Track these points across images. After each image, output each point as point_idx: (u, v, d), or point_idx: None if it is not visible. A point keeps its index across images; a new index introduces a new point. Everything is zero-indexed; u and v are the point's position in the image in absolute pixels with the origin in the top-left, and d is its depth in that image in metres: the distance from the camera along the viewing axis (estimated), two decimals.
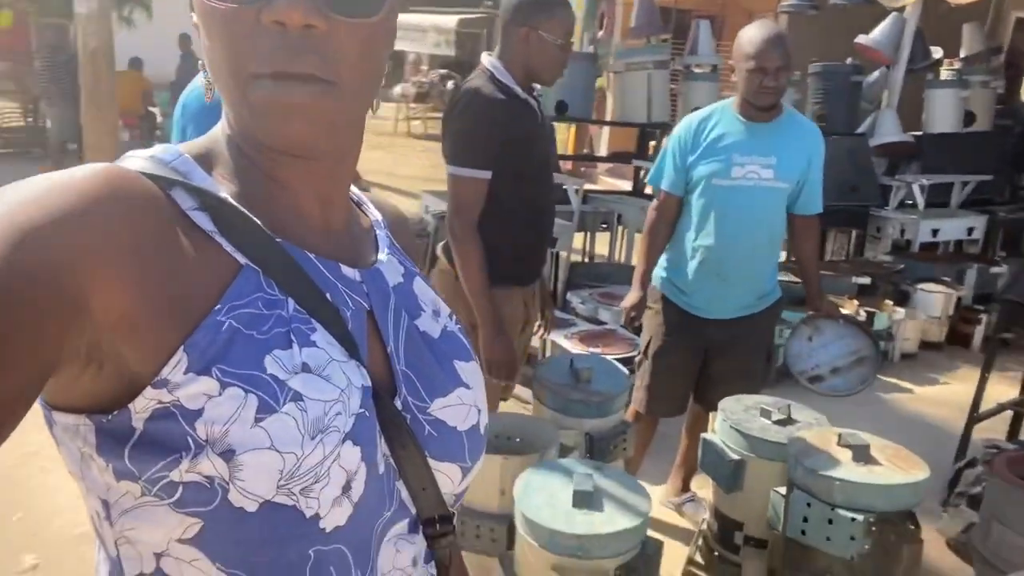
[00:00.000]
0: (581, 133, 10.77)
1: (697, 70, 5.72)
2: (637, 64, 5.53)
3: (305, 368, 0.56)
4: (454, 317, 0.76)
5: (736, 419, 2.14)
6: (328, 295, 0.61)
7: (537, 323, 2.49)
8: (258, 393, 0.53)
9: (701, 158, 2.51)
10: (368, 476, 0.58)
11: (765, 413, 2.18)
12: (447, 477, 0.67)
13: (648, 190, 3.60)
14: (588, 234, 5.35)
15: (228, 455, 0.51)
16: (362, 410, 0.58)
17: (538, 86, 2.23)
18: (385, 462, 0.62)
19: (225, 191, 0.60)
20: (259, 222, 0.59)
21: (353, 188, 0.74)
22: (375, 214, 0.77)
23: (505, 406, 2.65)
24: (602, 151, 10.13)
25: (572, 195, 4.45)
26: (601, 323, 3.87)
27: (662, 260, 2.68)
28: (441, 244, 2.21)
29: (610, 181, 9.57)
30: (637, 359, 2.80)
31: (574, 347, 3.43)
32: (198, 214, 0.56)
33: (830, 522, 1.75)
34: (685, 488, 2.98)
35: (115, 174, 0.52)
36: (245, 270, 0.56)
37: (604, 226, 5.22)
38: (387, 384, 0.64)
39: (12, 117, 9.94)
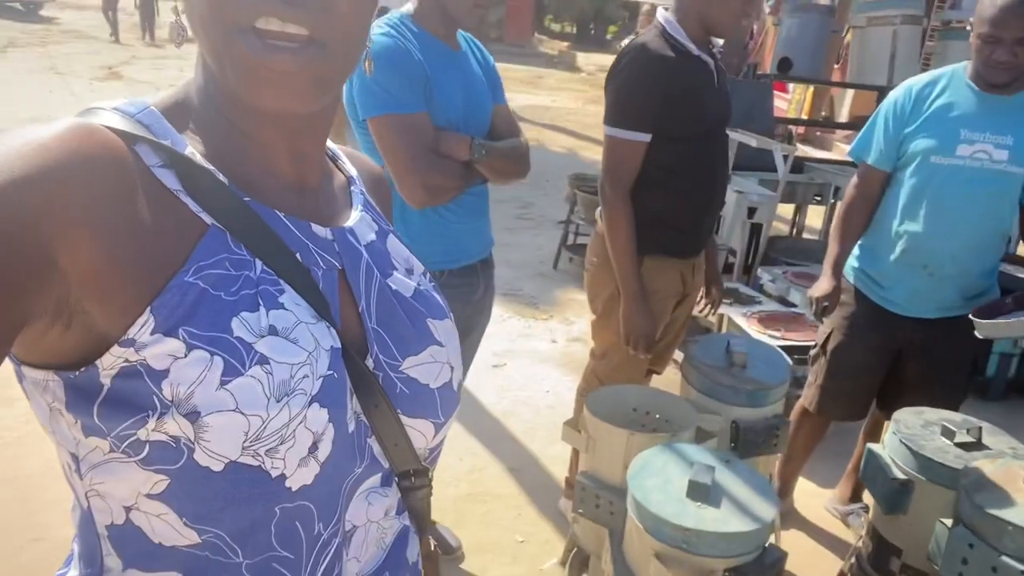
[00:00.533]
0: (819, 95, 9.85)
1: (959, 27, 4.95)
2: (881, 18, 4.90)
3: (272, 331, 0.56)
4: (427, 275, 0.75)
5: (910, 434, 1.89)
6: (298, 255, 0.60)
7: (701, 298, 2.35)
8: (224, 356, 0.53)
9: (920, 130, 2.16)
10: (336, 435, 0.59)
11: (947, 432, 1.89)
12: (420, 433, 0.68)
13: None
14: (799, 206, 4.93)
15: (193, 416, 0.52)
16: (330, 372, 0.58)
17: (719, 42, 2.05)
18: (356, 420, 0.62)
19: (192, 147, 0.58)
20: (226, 180, 0.58)
21: (328, 142, 0.72)
22: (351, 170, 0.75)
23: (661, 381, 2.56)
24: (844, 117, 9.18)
25: (779, 162, 4.09)
26: (791, 305, 3.57)
27: (856, 246, 2.38)
28: (598, 208, 2.15)
29: (846, 149, 8.68)
30: (813, 353, 2.55)
31: (751, 328, 3.20)
32: (164, 171, 0.55)
33: (994, 570, 1.49)
34: (855, 497, 2.70)
35: (80, 131, 0.51)
36: (211, 231, 0.56)
37: (818, 199, 4.76)
38: (359, 343, 0.64)
39: None
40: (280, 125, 0.61)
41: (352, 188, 0.73)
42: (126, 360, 0.52)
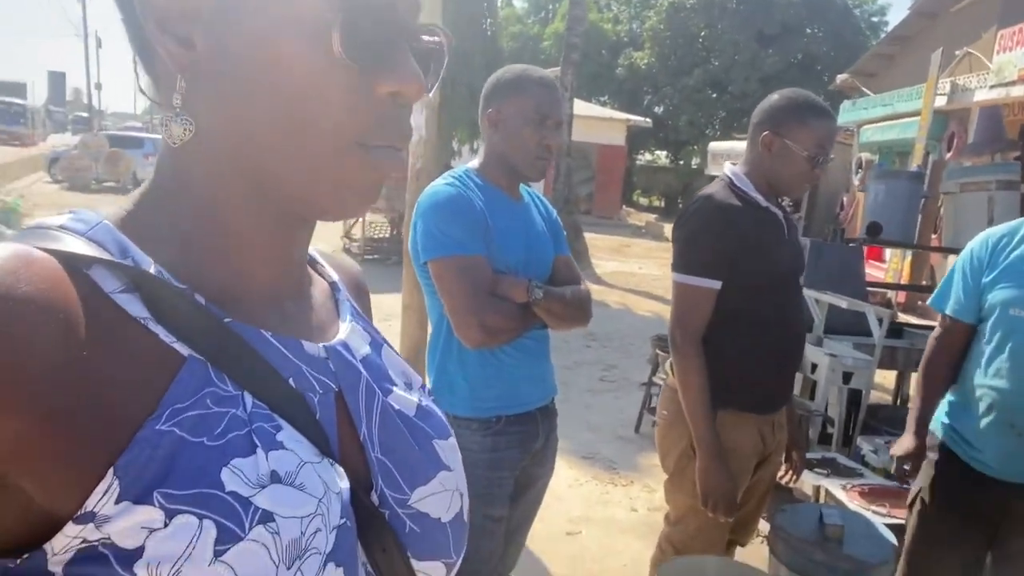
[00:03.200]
0: (917, 263, 9.56)
1: None
2: (975, 184, 4.79)
3: (274, 477, 0.47)
4: (426, 387, 0.67)
5: None
6: (291, 380, 0.52)
7: (783, 464, 2.15)
8: (216, 518, 0.43)
9: (998, 280, 2.02)
10: None
11: None
12: None
13: None
14: (901, 373, 4.61)
15: None
16: (343, 520, 0.50)
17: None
18: (364, 571, 0.53)
19: (156, 262, 0.50)
20: (202, 299, 0.50)
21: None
22: (332, 274, 0.68)
23: (745, 554, 2.29)
24: None
25: (874, 325, 3.88)
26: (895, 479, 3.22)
27: (944, 401, 2.16)
28: (670, 359, 2.05)
29: None
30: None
31: (852, 502, 2.89)
32: (126, 297, 0.47)
33: None
34: None
35: (12, 263, 0.43)
36: (189, 363, 0.47)
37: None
38: (362, 476, 0.55)
39: (380, 229, 11.95)
40: (281, 230, 0.56)
41: (338, 295, 0.66)
42: (84, 540, 0.42)
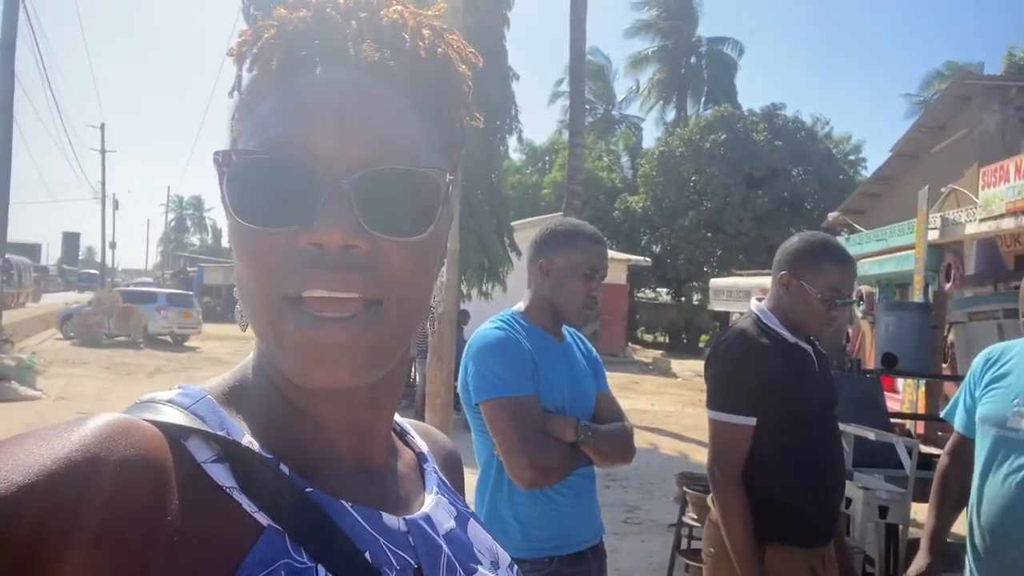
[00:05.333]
0: (931, 393, 9.50)
1: None
2: (984, 313, 4.90)
3: None
4: (515, 568, 0.64)
5: None
6: (368, 554, 0.51)
7: None
8: None
9: (982, 396, 2.05)
10: None
11: None
12: None
13: None
14: None
15: None
16: None
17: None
18: None
19: (250, 434, 0.52)
20: (287, 470, 0.51)
21: (396, 416, 0.67)
22: (420, 445, 0.68)
23: None
24: None
25: (903, 456, 3.83)
26: None
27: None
28: (711, 495, 2.04)
29: None
30: None
31: None
32: (216, 467, 0.49)
33: None
34: None
35: (111, 430, 0.45)
36: (267, 533, 0.47)
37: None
38: None
39: None
40: (338, 401, 0.55)
41: (424, 466, 0.65)
42: None
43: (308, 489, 0.50)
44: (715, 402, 1.99)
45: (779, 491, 1.91)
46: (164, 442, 0.47)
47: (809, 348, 2.04)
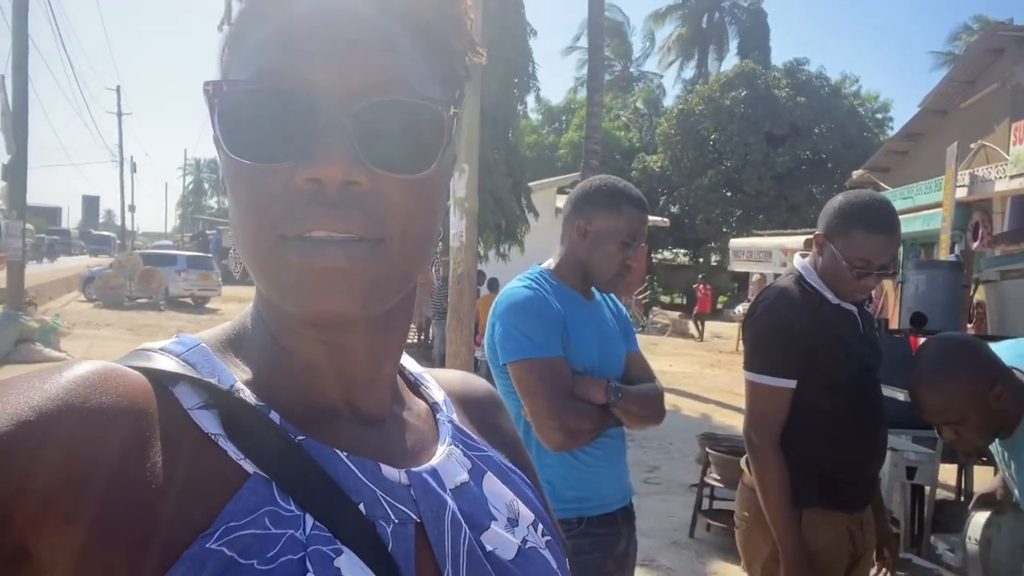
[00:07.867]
0: None
1: None
2: (1017, 271, 4.77)
3: None
4: (540, 526, 0.59)
5: None
6: (362, 506, 0.48)
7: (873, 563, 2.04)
8: None
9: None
10: None
11: None
12: None
13: None
14: (962, 467, 4.44)
15: None
16: None
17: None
18: None
19: (242, 381, 0.51)
20: (277, 417, 0.49)
21: (413, 364, 0.64)
22: (436, 395, 0.64)
23: None
24: None
25: None
26: None
27: None
28: (744, 457, 2.00)
29: None
30: None
31: None
32: (203, 413, 0.47)
33: None
34: None
35: (95, 378, 0.44)
36: (252, 480, 0.46)
37: (983, 459, 4.28)
38: None
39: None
40: (336, 350, 0.53)
41: (438, 416, 0.61)
42: None
43: (300, 437, 0.49)
44: (753, 363, 1.91)
45: (820, 455, 1.85)
46: (149, 389, 0.46)
47: (854, 309, 1.95)
